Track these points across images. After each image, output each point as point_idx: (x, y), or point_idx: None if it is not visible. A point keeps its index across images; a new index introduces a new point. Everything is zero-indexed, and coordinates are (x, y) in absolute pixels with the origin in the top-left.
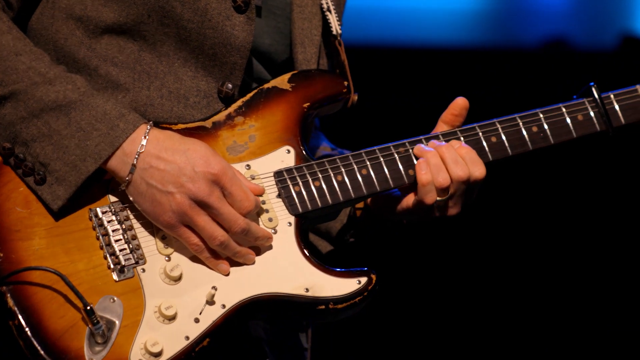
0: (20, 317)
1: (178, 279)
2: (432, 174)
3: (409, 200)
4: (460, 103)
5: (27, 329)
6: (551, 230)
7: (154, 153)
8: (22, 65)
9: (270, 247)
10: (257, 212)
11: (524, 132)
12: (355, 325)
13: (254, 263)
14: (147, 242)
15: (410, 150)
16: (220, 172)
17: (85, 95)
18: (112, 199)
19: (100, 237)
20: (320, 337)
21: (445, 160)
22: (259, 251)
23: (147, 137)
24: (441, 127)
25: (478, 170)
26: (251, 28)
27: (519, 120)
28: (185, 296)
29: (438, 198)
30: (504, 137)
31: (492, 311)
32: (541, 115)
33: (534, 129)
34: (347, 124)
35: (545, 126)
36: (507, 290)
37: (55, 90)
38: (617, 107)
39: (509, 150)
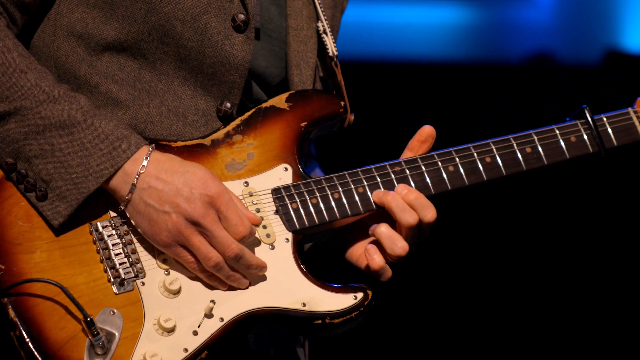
0: (21, 328)
1: (177, 292)
2: (386, 253)
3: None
4: (426, 131)
5: (28, 340)
6: (542, 231)
7: (154, 174)
8: (27, 83)
9: (269, 263)
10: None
11: (518, 153)
12: (351, 339)
13: (247, 287)
14: (147, 256)
15: (407, 172)
16: (217, 195)
17: (89, 115)
18: (112, 213)
19: (101, 250)
20: (316, 353)
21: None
22: None
23: (148, 158)
24: (406, 154)
25: (429, 214)
26: (250, 47)
27: (513, 142)
28: (184, 309)
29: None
30: (498, 158)
31: (487, 318)
32: (535, 137)
33: (528, 149)
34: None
35: (539, 147)
36: (500, 295)
37: (59, 108)
38: (609, 129)
39: (503, 170)
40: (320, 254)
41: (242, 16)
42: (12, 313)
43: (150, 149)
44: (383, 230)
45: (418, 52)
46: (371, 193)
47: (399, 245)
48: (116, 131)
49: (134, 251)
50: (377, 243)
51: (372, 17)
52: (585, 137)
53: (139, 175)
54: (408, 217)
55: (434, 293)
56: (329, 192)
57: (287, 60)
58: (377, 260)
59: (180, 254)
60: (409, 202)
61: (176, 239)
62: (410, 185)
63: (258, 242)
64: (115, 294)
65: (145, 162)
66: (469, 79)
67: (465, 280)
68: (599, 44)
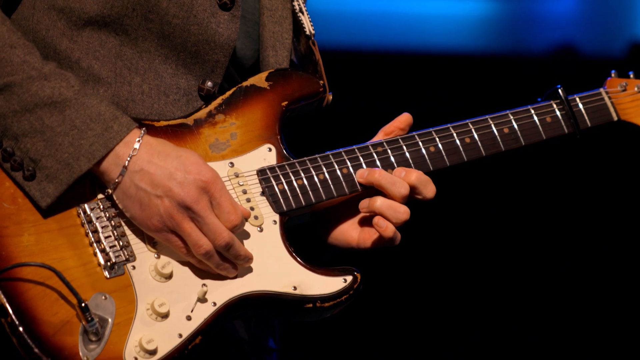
0: (12, 314)
1: (169, 276)
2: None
3: (365, 235)
4: (405, 119)
5: (20, 327)
6: (541, 227)
7: (146, 157)
8: (17, 58)
9: (258, 246)
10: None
11: (496, 134)
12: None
13: (235, 277)
14: (136, 239)
15: (389, 152)
16: (211, 181)
17: (80, 94)
18: (100, 195)
19: (90, 233)
20: (286, 339)
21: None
22: None
23: (140, 141)
24: (379, 137)
25: (431, 190)
26: (236, 26)
27: (491, 122)
28: (176, 294)
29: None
30: (477, 138)
31: (478, 310)
32: (511, 117)
33: (505, 130)
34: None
35: (516, 127)
36: (493, 288)
37: (50, 86)
38: (583, 110)
39: (483, 151)
40: (301, 236)
41: None
42: (3, 299)
43: (143, 131)
44: (380, 203)
45: (442, 44)
46: (355, 174)
47: (401, 210)
48: (108, 111)
49: (123, 234)
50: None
51: (396, 8)
52: (560, 117)
53: (130, 158)
54: (400, 189)
55: (404, 286)
56: (313, 173)
57: (261, 42)
58: (390, 227)
59: (170, 240)
60: (412, 183)
61: (167, 224)
62: (393, 165)
63: (246, 225)
64: (107, 278)
65: (137, 145)
66: (493, 71)
67: (447, 273)
68: (623, 36)
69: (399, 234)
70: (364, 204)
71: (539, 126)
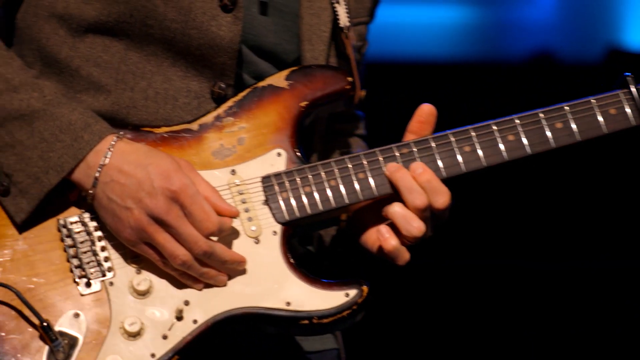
0: None
1: (146, 292)
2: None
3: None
4: (426, 110)
5: None
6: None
7: (117, 166)
8: None
9: (252, 259)
10: (231, 227)
11: (547, 129)
12: None
13: (225, 285)
14: (117, 253)
15: (416, 153)
16: (179, 190)
17: (51, 105)
18: (83, 208)
19: (68, 248)
20: None
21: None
22: None
23: (112, 149)
24: (408, 138)
25: (440, 200)
26: (238, 28)
27: (542, 116)
28: (154, 310)
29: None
30: (522, 135)
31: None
32: (567, 109)
33: (558, 125)
34: None
35: (572, 122)
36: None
37: (19, 98)
38: None
39: (529, 149)
40: (336, 242)
41: None
42: None
43: (116, 138)
44: (397, 209)
45: (419, 52)
46: (373, 178)
47: (414, 225)
48: (80, 120)
49: (104, 248)
50: (392, 225)
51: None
52: (628, 109)
53: (101, 168)
54: (415, 199)
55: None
56: (325, 179)
57: (300, 35)
58: (390, 241)
59: (146, 252)
60: (421, 184)
61: (140, 237)
62: None
63: (240, 236)
64: (81, 294)
65: (108, 154)
66: (471, 78)
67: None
68: (601, 42)
69: (406, 254)
70: (385, 207)
71: (600, 119)
